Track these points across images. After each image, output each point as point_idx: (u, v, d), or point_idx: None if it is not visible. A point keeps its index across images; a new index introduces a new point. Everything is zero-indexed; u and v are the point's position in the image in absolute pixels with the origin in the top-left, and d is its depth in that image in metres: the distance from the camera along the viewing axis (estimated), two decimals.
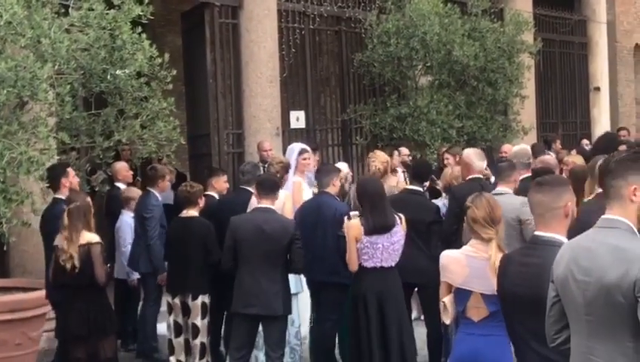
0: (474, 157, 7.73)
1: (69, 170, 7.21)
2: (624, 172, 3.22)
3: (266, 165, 8.33)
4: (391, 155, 10.61)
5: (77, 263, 6.26)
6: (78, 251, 6.28)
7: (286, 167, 8.08)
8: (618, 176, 3.22)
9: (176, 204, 8.01)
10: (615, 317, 3.05)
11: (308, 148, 8.98)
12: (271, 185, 6.88)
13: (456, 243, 7.38)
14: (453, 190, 7.81)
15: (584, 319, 3.16)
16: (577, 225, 5.08)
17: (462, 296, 4.88)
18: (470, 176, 7.61)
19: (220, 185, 8.54)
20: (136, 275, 8.60)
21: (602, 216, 3.27)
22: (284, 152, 11.47)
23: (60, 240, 6.42)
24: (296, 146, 8.96)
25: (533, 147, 11.45)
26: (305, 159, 8.68)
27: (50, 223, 6.93)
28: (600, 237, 3.19)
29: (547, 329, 3.46)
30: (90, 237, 6.43)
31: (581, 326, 3.19)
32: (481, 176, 7.51)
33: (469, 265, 4.82)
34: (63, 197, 7.01)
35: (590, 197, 6.36)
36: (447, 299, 5.00)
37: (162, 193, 8.71)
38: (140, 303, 8.76)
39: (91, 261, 6.34)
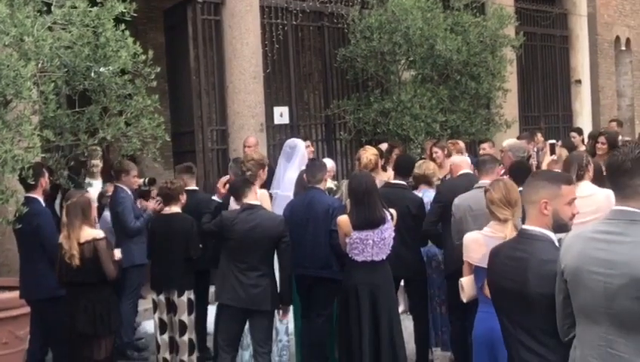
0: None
1: (44, 170, 7.16)
2: None
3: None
4: (390, 152, 10.60)
5: (77, 261, 6.23)
6: (78, 248, 6.25)
7: (260, 165, 7.94)
8: (636, 175, 3.11)
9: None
10: None
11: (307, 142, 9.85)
12: (238, 186, 6.90)
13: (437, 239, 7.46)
14: (440, 185, 7.88)
15: (603, 312, 3.07)
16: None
17: (480, 274, 5.03)
18: (461, 172, 7.66)
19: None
20: None
21: (616, 208, 3.16)
22: (268, 148, 11.50)
23: (61, 238, 6.39)
24: (298, 141, 9.17)
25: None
26: (308, 147, 9.29)
27: (25, 222, 6.69)
28: (620, 230, 3.08)
29: (559, 323, 3.39)
30: (94, 233, 6.38)
31: (598, 318, 3.11)
32: (470, 171, 7.55)
33: (486, 244, 4.90)
34: (37, 197, 6.98)
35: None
36: (463, 280, 5.27)
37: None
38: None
39: (98, 257, 6.30)
